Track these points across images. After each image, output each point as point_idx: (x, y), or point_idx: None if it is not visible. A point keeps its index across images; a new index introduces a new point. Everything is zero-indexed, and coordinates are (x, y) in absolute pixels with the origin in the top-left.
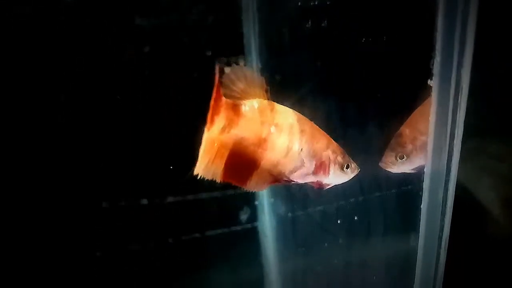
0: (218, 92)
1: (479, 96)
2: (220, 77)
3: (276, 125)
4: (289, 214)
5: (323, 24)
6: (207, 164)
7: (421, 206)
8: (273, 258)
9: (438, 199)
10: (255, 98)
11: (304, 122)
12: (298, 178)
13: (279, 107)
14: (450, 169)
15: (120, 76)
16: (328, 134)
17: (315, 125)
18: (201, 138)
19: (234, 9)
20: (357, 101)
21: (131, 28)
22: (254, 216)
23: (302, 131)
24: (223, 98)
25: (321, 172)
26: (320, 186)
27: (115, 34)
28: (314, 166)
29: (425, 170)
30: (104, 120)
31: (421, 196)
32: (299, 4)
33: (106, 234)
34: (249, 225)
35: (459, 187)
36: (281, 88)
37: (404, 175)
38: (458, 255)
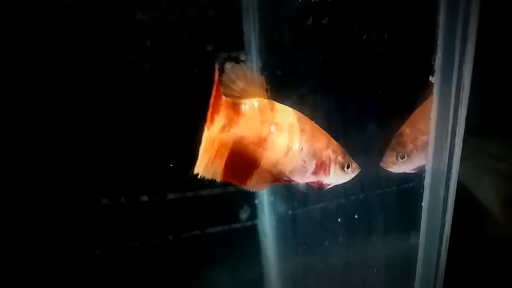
0: (218, 91)
1: (480, 95)
2: (220, 75)
3: (276, 124)
4: (289, 212)
5: (323, 22)
6: (207, 164)
7: (422, 204)
8: (273, 256)
9: (439, 197)
10: (255, 97)
11: (304, 121)
12: (298, 177)
13: (279, 106)
14: (451, 167)
15: (120, 73)
16: (329, 133)
17: (316, 124)
18: (201, 137)
19: (235, 7)
20: (358, 100)
21: (132, 25)
22: (254, 214)
23: (302, 131)
24: (223, 97)
25: (322, 172)
26: (320, 186)
27: (115, 31)
28: (314, 165)
29: (426, 168)
30: (104, 118)
31: (422, 194)
32: (299, 2)
33: (106, 231)
34: (249, 223)
35: (460, 185)
36: (281, 86)
37: (405, 173)
38: (459, 253)
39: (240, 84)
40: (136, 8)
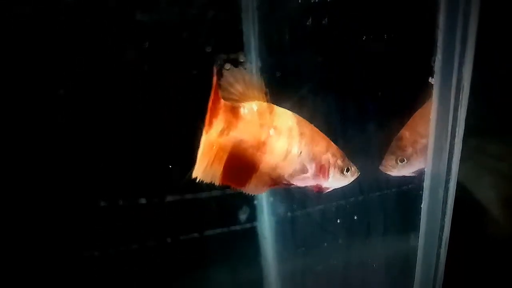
0: (216, 94)
1: (480, 96)
2: (219, 79)
3: (275, 128)
4: (288, 214)
5: (323, 23)
6: (205, 167)
7: (422, 206)
8: (272, 258)
9: (438, 199)
10: (254, 101)
11: (303, 125)
12: (298, 181)
13: (278, 110)
14: (451, 168)
15: (119, 74)
16: (328, 136)
17: (315, 127)
18: (200, 140)
19: (234, 7)
20: (357, 102)
21: (131, 26)
22: (253, 216)
23: (301, 134)
24: (222, 101)
25: (321, 175)
26: (319, 189)
27: (115, 31)
28: (313, 169)
29: (425, 169)
30: (103, 119)
31: (421, 196)
32: (299, 2)
33: (104, 233)
34: (248, 225)
35: (459, 186)
36: (280, 87)
37: (404, 176)
38: (458, 254)
39: (239, 88)
40: (135, 9)
